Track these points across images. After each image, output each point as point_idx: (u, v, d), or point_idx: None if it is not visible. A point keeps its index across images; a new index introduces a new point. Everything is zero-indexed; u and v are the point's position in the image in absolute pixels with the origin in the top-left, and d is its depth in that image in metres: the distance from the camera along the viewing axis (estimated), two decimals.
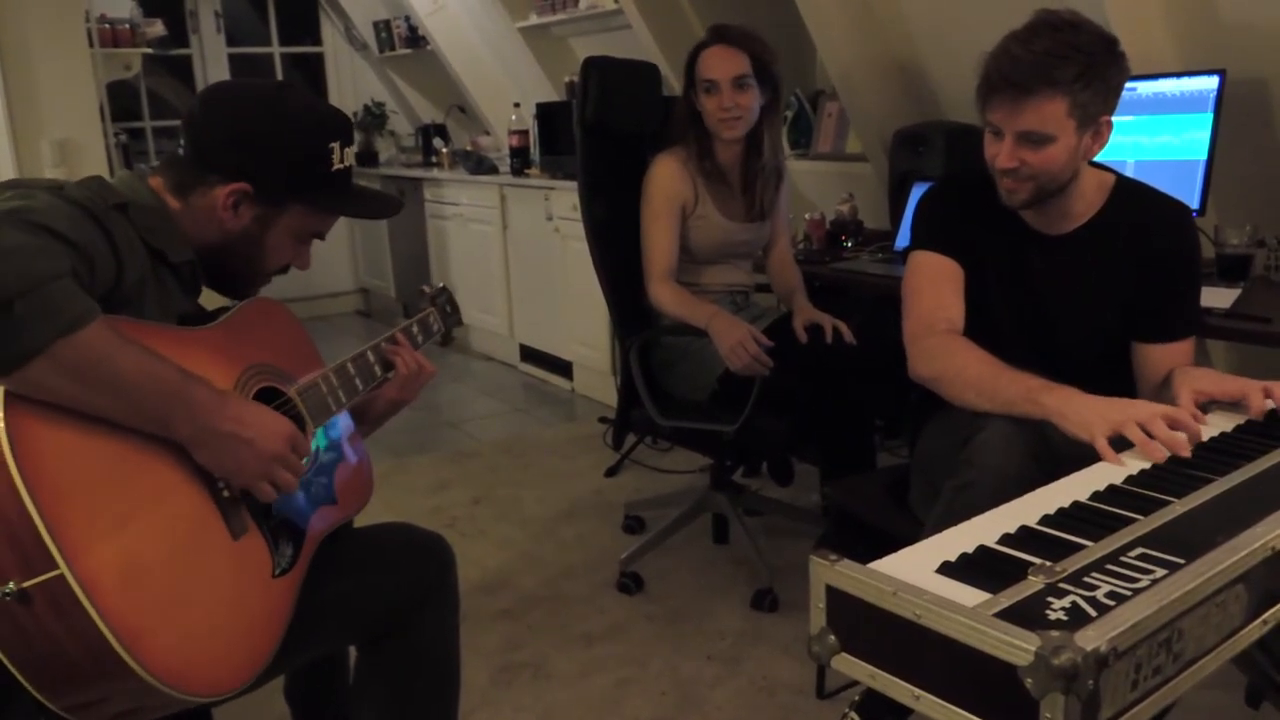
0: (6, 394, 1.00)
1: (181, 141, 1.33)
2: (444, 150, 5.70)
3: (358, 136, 6.43)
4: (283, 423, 1.23)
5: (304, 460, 1.28)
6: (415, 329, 1.62)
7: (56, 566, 0.98)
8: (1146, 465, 1.24)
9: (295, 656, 1.38)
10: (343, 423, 1.49)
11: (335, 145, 1.35)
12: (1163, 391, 1.58)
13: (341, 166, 1.36)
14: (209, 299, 1.41)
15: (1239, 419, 1.40)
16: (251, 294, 1.43)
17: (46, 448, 1.02)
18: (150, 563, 1.07)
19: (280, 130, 1.32)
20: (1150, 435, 1.29)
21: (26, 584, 0.98)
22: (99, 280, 1.11)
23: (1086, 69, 1.49)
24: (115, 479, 1.08)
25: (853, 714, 1.57)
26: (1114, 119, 1.59)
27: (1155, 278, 1.66)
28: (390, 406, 1.58)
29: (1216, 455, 1.25)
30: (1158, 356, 1.66)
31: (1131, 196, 1.70)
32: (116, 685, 1.02)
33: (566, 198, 4.13)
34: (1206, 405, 1.46)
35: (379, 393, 1.56)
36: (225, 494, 1.19)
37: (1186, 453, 1.26)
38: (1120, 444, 1.31)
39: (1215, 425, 1.38)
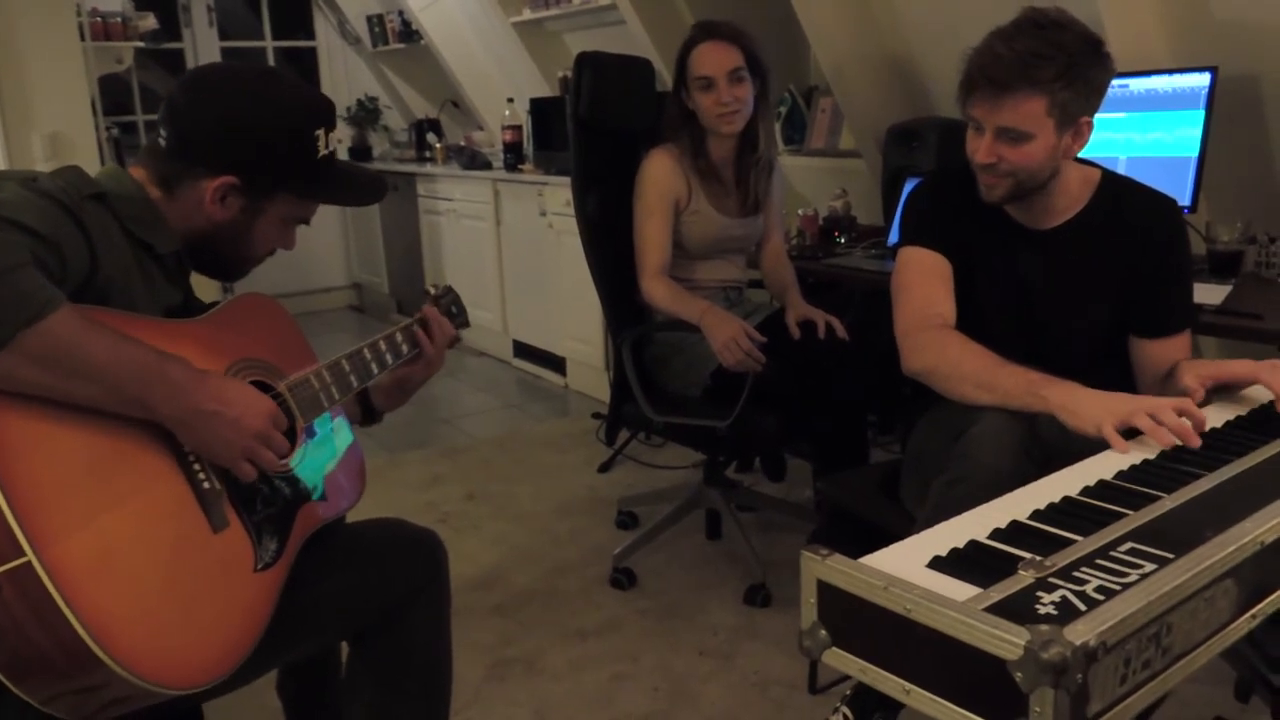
0: None
1: (162, 131, 1.29)
2: (437, 145, 5.69)
3: (351, 131, 6.43)
4: (264, 400, 1.22)
5: (292, 443, 1.27)
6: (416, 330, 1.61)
7: (24, 554, 0.97)
8: (1137, 461, 1.24)
9: (286, 652, 1.38)
10: (336, 419, 1.48)
11: (320, 132, 1.33)
12: (1166, 385, 1.58)
13: (326, 153, 1.35)
14: (202, 288, 1.41)
15: (1229, 414, 1.41)
16: (240, 278, 1.42)
17: (20, 436, 1.02)
18: (123, 554, 1.07)
19: (266, 121, 1.29)
20: (1160, 424, 1.29)
21: None
22: (71, 270, 1.10)
23: (1068, 69, 1.50)
24: (91, 469, 1.07)
25: (844, 708, 1.58)
26: (1106, 115, 1.60)
27: (1145, 271, 1.67)
28: (424, 378, 1.59)
29: (1206, 451, 1.26)
30: (1155, 351, 1.67)
31: (1117, 191, 1.70)
32: (87, 677, 1.02)
33: (560, 193, 4.13)
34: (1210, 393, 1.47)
35: (411, 369, 1.57)
36: (206, 486, 1.19)
37: (1196, 441, 1.27)
38: (1127, 434, 1.31)
39: (1207, 420, 1.38)
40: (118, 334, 1.09)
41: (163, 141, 1.29)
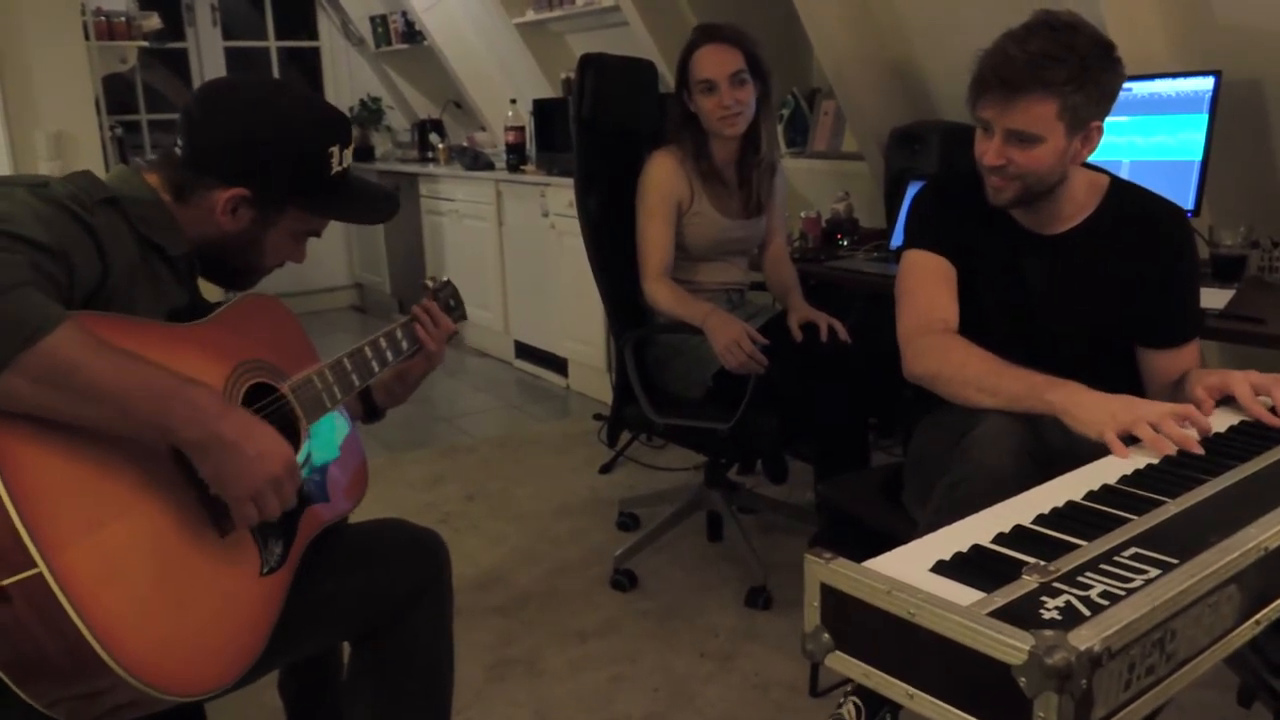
0: None
1: (178, 140, 1.31)
2: (440, 146, 5.69)
3: (355, 132, 6.42)
4: (286, 447, 1.20)
5: (296, 444, 1.28)
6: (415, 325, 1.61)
7: (35, 565, 0.97)
8: (1141, 465, 1.24)
9: (288, 652, 1.38)
10: (339, 420, 1.48)
11: (334, 149, 1.33)
12: (1176, 394, 1.58)
13: (340, 169, 1.35)
14: (205, 287, 1.41)
15: (1233, 419, 1.40)
16: (249, 287, 1.42)
17: (28, 445, 1.01)
18: (131, 561, 1.06)
19: (279, 135, 1.30)
20: (1161, 433, 1.29)
21: (5, 582, 0.97)
22: (80, 277, 1.10)
23: (1080, 72, 1.49)
24: (99, 476, 1.07)
25: (853, 698, 1.57)
26: (1109, 119, 1.59)
27: (1152, 281, 1.66)
28: (424, 372, 1.61)
29: (1210, 455, 1.26)
30: (1164, 362, 1.67)
31: (1126, 198, 1.70)
32: (95, 683, 1.02)
33: (562, 194, 4.13)
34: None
35: (411, 364, 1.58)
36: (212, 491, 1.18)
37: (1199, 450, 1.27)
38: (1129, 439, 1.31)
39: (1211, 427, 1.38)
40: (130, 355, 1.07)
41: (179, 151, 1.30)
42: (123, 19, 4.63)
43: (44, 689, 1.03)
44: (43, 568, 0.97)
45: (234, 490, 1.15)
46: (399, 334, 1.54)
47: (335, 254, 6.53)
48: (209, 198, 1.29)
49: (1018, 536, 1.03)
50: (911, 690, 0.86)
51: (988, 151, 1.58)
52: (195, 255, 1.33)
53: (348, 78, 6.68)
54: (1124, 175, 1.75)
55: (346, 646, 1.53)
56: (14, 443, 1.00)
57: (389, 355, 1.52)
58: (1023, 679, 0.76)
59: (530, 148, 4.82)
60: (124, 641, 1.01)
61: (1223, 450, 1.27)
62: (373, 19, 6.27)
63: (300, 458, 1.33)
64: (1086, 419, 1.36)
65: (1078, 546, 0.98)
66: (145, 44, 4.86)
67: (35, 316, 0.99)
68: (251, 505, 1.17)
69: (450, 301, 1.69)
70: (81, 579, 1.00)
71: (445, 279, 1.70)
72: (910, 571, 0.92)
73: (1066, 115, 1.52)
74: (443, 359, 1.61)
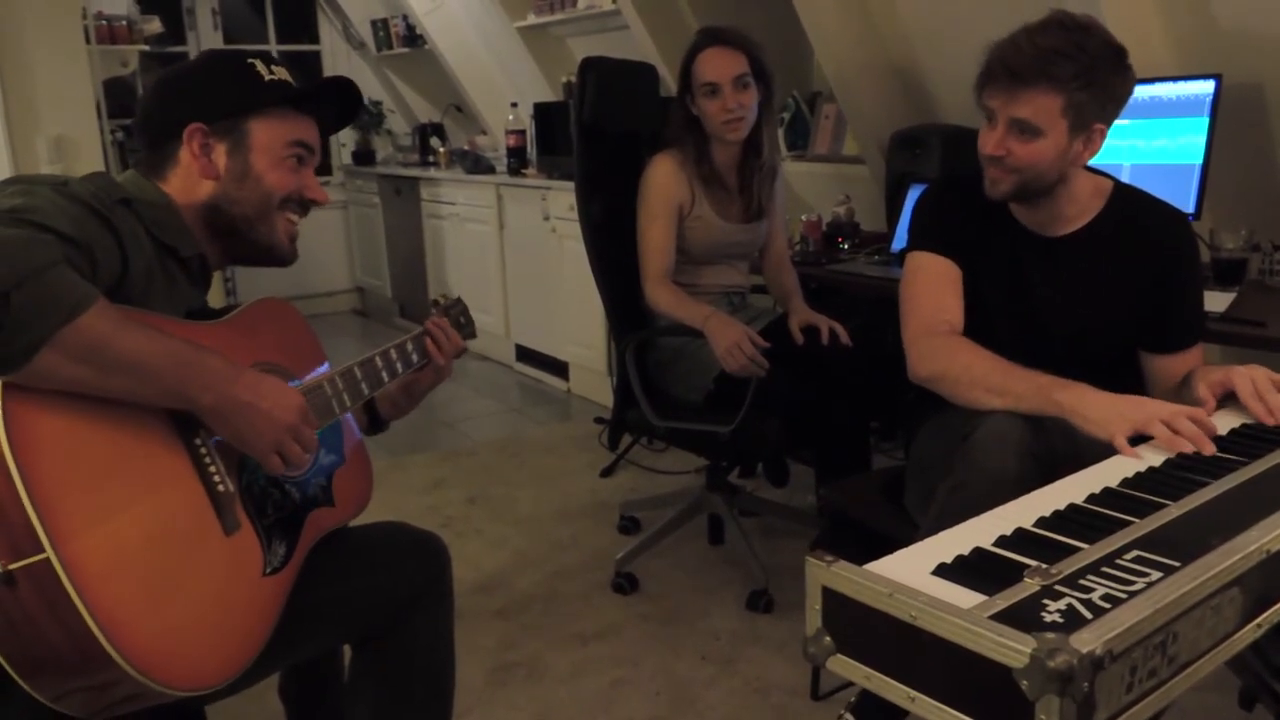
0: (5, 380, 1.00)
1: (139, 145, 1.37)
2: (441, 149, 5.70)
3: (355, 135, 6.43)
4: (295, 395, 1.24)
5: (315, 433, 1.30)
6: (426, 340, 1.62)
7: (43, 550, 0.98)
8: (1143, 468, 1.24)
9: (289, 654, 1.38)
10: (346, 426, 1.49)
11: (255, 61, 1.36)
12: (1181, 394, 1.58)
13: (274, 78, 1.36)
14: (214, 300, 1.41)
15: (1235, 422, 1.40)
16: (281, 254, 1.40)
17: (43, 433, 1.02)
18: (138, 553, 1.07)
19: (195, 68, 1.39)
20: (1175, 432, 1.30)
21: (12, 566, 0.98)
22: (101, 273, 1.11)
23: (1087, 70, 1.50)
24: (110, 468, 1.08)
25: (848, 715, 1.57)
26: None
27: (1156, 285, 1.66)
28: (431, 386, 1.62)
29: (1212, 458, 1.26)
30: (1167, 366, 1.68)
31: (1129, 203, 1.70)
32: (97, 675, 1.02)
33: (563, 198, 4.13)
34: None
35: (419, 376, 1.60)
36: (220, 488, 1.19)
37: (1211, 448, 1.27)
38: (1136, 441, 1.31)
39: (1216, 428, 1.38)
40: (151, 327, 1.11)
41: (143, 152, 1.35)
42: (124, 23, 4.63)
43: (48, 680, 1.03)
44: (51, 554, 0.98)
45: (257, 446, 1.20)
46: (409, 346, 1.55)
47: (336, 258, 6.53)
48: (179, 158, 1.32)
49: (1019, 539, 1.03)
50: (913, 693, 0.86)
51: (989, 141, 1.59)
52: (225, 253, 1.35)
53: None
54: (1125, 179, 1.75)
55: (348, 650, 1.53)
56: (32, 430, 1.01)
57: (398, 367, 1.53)
58: (1024, 682, 0.76)
59: (531, 151, 4.82)
60: (127, 632, 1.02)
61: (1225, 453, 1.27)
62: (374, 22, 6.28)
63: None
64: (1096, 419, 1.36)
65: (1079, 549, 0.98)
66: (146, 48, 4.86)
67: (74, 293, 1.02)
68: (276, 457, 1.22)
69: (460, 319, 1.71)
70: (88, 568, 1.01)
71: (456, 296, 1.73)
72: (912, 574, 0.92)
73: (1070, 112, 1.52)
74: (450, 373, 1.62)
